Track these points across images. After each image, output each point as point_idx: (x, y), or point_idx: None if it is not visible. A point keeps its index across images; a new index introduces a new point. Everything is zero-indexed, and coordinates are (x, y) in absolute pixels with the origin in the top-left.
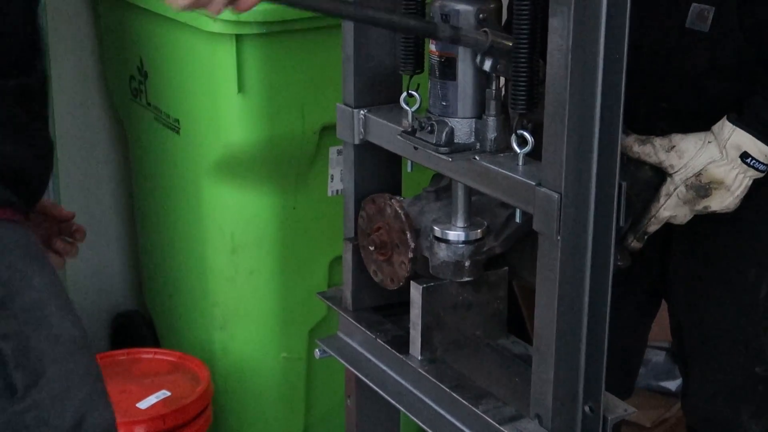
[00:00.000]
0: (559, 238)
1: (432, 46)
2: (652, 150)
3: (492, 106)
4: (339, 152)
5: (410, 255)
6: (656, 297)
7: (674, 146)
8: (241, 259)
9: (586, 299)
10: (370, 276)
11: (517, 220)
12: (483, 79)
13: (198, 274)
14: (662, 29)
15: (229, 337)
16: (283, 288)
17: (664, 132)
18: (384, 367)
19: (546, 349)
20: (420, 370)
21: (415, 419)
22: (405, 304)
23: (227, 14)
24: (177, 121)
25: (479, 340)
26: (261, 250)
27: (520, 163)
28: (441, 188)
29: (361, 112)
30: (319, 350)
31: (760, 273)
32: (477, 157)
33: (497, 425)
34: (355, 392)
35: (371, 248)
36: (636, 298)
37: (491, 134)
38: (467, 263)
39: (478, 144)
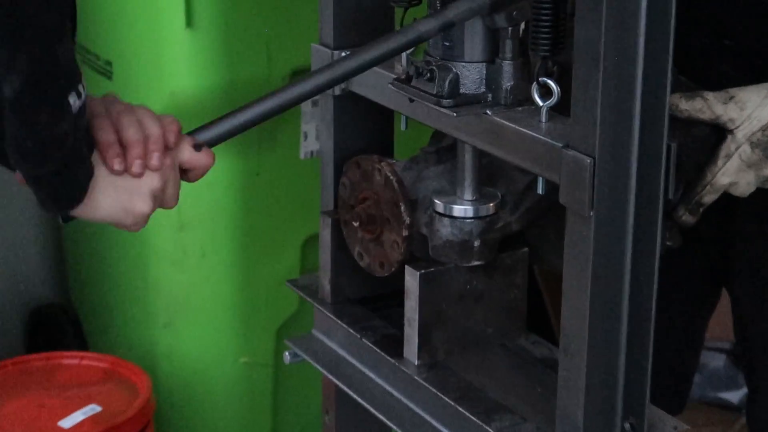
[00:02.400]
0: (592, 213)
1: None
2: (704, 104)
3: (508, 46)
4: (314, 104)
5: (405, 233)
6: (715, 286)
7: (733, 97)
8: (191, 238)
9: (627, 288)
10: (354, 260)
11: (539, 190)
12: None
13: (135, 257)
14: None
15: (176, 338)
16: (243, 275)
17: (725, 77)
18: (372, 375)
19: (576, 350)
20: (417, 377)
21: None
22: (398, 295)
23: None
24: (109, 63)
25: (491, 340)
26: (215, 228)
27: (543, 120)
28: (443, 148)
29: (343, 53)
30: (289, 353)
31: None
32: (488, 112)
33: None
34: (335, 406)
35: (356, 224)
36: (690, 287)
37: (506, 83)
38: (476, 243)
39: (489, 95)
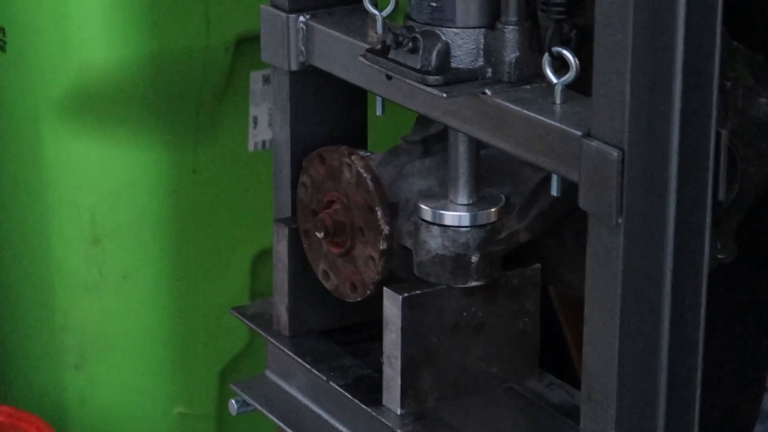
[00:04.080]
0: (620, 220)
1: None
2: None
3: (511, 7)
4: (266, 80)
5: (382, 246)
6: None
7: None
8: (108, 255)
9: (666, 316)
10: (317, 281)
11: (554, 192)
12: None
13: (37, 280)
14: None
15: (90, 382)
16: (176, 302)
17: None
18: (342, 428)
19: (602, 396)
20: (400, 431)
21: None
22: (375, 326)
23: None
24: (1, 31)
25: (495, 383)
26: (140, 241)
27: (558, 101)
28: (430, 138)
29: (301, 18)
30: (237, 402)
31: None
32: (488, 91)
33: None
34: None
35: (320, 235)
36: (748, 314)
37: (510, 54)
38: (474, 259)
39: (489, 70)
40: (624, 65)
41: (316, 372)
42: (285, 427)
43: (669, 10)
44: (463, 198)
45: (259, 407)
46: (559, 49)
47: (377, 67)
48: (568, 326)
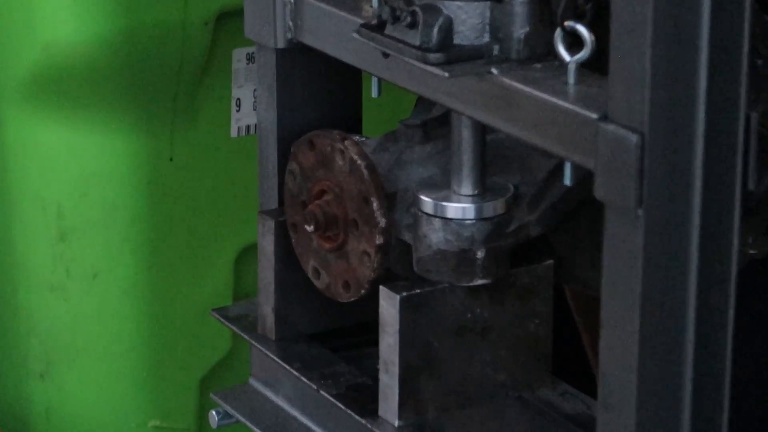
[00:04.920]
0: (640, 212)
1: None
2: None
3: None
4: (250, 59)
5: (378, 240)
6: None
7: None
8: (76, 252)
9: (691, 317)
10: (307, 279)
11: (567, 181)
12: None
13: None
14: None
15: (57, 392)
16: (151, 304)
17: None
18: None
19: (620, 404)
20: None
21: None
22: (371, 329)
23: None
24: None
25: (503, 391)
26: (111, 237)
27: (572, 81)
28: (431, 122)
29: None
30: (218, 413)
31: None
32: (494, 70)
33: None
34: None
35: (309, 229)
36: None
37: (519, 29)
38: (480, 255)
39: (495, 47)
40: (644, 41)
41: (305, 380)
42: None
43: None
44: (467, 188)
45: (242, 419)
46: (573, 23)
47: (372, 44)
48: (586, 330)
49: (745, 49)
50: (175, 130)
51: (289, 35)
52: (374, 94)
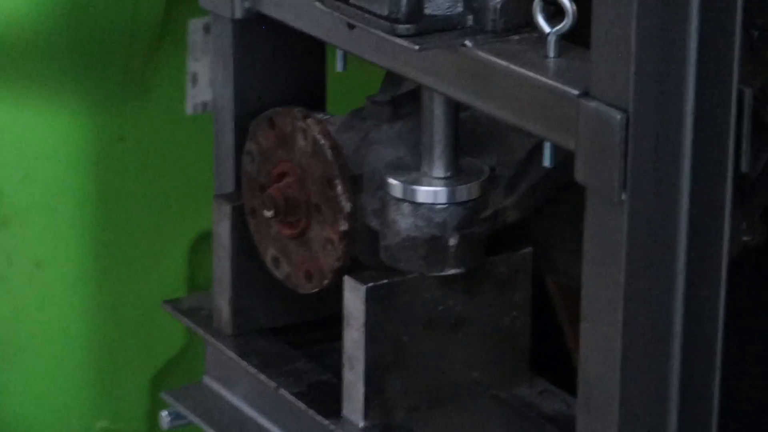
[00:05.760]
0: (624, 196)
1: None
2: None
3: None
4: (207, 30)
5: (343, 227)
6: None
7: None
8: (18, 239)
9: (679, 309)
10: (266, 269)
11: (546, 162)
12: None
13: None
14: None
15: None
16: (99, 295)
17: None
18: None
19: (601, 404)
20: None
21: None
22: (334, 323)
23: None
24: None
25: (477, 389)
26: (56, 224)
27: (552, 54)
28: (401, 98)
29: None
30: (169, 413)
31: None
32: (468, 43)
33: None
34: None
35: (269, 214)
36: None
37: None
38: (453, 242)
39: (470, 17)
40: (629, 11)
41: (264, 378)
42: None
43: None
44: (439, 170)
45: (196, 419)
46: None
47: (337, 14)
48: (568, 322)
49: (739, 18)
50: (125, 107)
51: (247, 4)
52: (339, 68)
